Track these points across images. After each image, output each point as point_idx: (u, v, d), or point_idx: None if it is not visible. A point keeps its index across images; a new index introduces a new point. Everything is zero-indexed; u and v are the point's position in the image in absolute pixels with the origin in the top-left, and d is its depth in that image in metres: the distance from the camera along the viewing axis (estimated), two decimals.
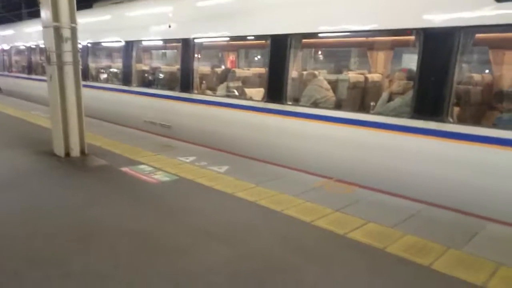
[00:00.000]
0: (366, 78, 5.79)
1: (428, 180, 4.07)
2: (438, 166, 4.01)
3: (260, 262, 2.72)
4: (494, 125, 4.00)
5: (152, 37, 7.87)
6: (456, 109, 4.27)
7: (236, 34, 6.28)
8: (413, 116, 4.11)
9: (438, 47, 3.90)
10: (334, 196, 4.08)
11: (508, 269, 2.66)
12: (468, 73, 5.12)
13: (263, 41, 5.86)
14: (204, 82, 7.35)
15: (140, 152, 5.65)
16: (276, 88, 5.38)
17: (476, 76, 5.08)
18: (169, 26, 7.10)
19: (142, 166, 4.95)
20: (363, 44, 7.16)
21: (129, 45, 8.15)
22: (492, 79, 5.29)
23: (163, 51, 12.81)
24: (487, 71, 5.62)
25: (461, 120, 4.16)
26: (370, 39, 6.41)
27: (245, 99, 6.26)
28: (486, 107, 4.76)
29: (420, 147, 4.12)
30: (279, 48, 5.31)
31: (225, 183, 4.39)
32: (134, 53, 8.15)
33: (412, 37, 4.38)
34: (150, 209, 3.67)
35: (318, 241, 3.06)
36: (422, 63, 4.00)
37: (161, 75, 8.52)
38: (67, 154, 5.24)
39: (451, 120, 3.92)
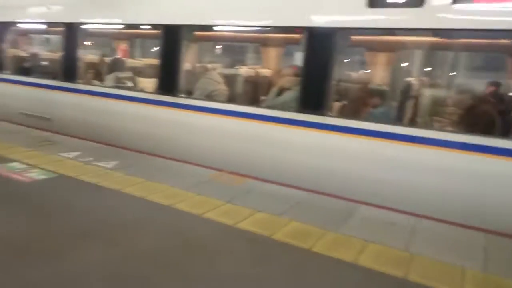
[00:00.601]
0: (257, 73, 5.97)
1: (313, 170, 4.36)
2: (322, 157, 4.32)
3: (145, 260, 2.61)
4: (367, 119, 4.47)
5: (29, 19, 7.01)
6: (336, 104, 4.65)
7: (127, 22, 5.93)
8: (299, 110, 4.36)
9: (319, 46, 4.19)
10: (226, 188, 4.12)
11: (375, 246, 2.99)
12: (346, 71, 5.63)
13: (157, 31, 5.63)
14: (90, 71, 6.80)
15: (12, 148, 5.00)
16: (168, 80, 5.23)
17: (353, 74, 5.61)
18: (48, 8, 6.40)
19: (13, 164, 4.39)
20: (257, 40, 7.37)
21: (1, 27, 7.15)
22: (367, 77, 5.90)
23: (45, 35, 11.53)
24: (363, 70, 6.26)
25: (340, 114, 4.55)
26: (264, 35, 6.62)
27: (136, 90, 5.96)
28: (362, 102, 5.28)
29: (305, 139, 4.38)
30: (171, 38, 5.16)
31: (112, 179, 4.13)
32: (6, 37, 7.17)
33: (299, 35, 4.63)
34: (19, 211, 3.26)
35: (207, 234, 3.06)
36: (306, 60, 4.26)
37: (41, 62, 7.66)
38: None
39: (331, 114, 4.26)
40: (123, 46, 8.94)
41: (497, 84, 5.51)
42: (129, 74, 6.43)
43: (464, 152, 3.67)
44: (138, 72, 6.87)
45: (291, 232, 3.14)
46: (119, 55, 8.75)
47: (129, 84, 6.27)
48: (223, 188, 4.11)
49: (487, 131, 3.89)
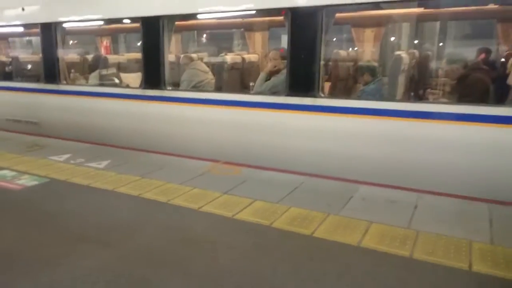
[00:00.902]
0: (244, 59, 5.83)
1: (309, 153, 4.28)
2: (316, 139, 4.24)
3: (144, 260, 2.54)
4: (359, 97, 4.38)
5: (5, 22, 6.78)
6: (326, 85, 4.54)
7: (105, 17, 5.74)
8: (289, 94, 4.26)
9: (304, 26, 4.06)
10: (222, 179, 4.04)
11: (377, 226, 2.94)
12: (334, 50, 5.50)
13: (137, 24, 5.46)
14: (72, 71, 6.61)
15: (0, 156, 4.87)
16: (153, 74, 5.09)
17: (342, 53, 5.49)
18: (23, 9, 6.18)
19: (2, 172, 4.27)
20: (241, 26, 7.20)
21: None
22: (356, 55, 5.78)
23: (24, 38, 11.23)
24: (351, 48, 6.14)
25: (331, 95, 4.46)
26: (247, 20, 6.45)
27: (121, 86, 5.81)
28: (352, 81, 5.19)
29: (298, 122, 4.29)
30: (152, 30, 5.00)
31: (105, 179, 4.04)
32: None
33: (282, 17, 4.50)
34: (11, 220, 3.16)
35: (206, 228, 2.99)
36: (292, 42, 4.14)
37: (22, 66, 7.45)
38: None
39: (322, 95, 4.16)
40: (105, 42, 8.72)
41: (488, 51, 5.42)
42: (113, 70, 6.26)
43: (460, 123, 3.60)
44: (123, 67, 6.70)
45: (291, 219, 3.08)
46: (101, 51, 8.54)
47: (114, 80, 6.11)
48: (219, 180, 4.04)
49: (482, 99, 3.82)
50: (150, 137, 5.20)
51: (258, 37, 6.84)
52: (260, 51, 6.69)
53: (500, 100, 3.84)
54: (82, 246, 2.73)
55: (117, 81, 6.12)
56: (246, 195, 3.58)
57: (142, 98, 5.23)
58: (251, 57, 6.16)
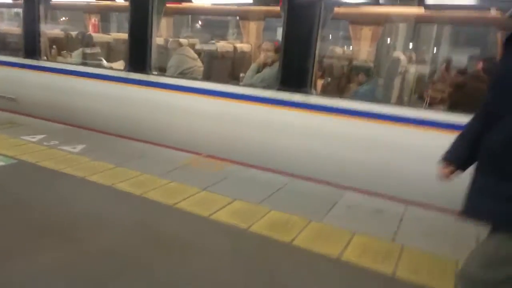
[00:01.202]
0: (236, 48, 5.57)
1: (296, 153, 4.09)
2: (305, 139, 4.05)
3: (106, 261, 2.33)
4: (352, 98, 4.18)
5: None
6: (320, 82, 4.33)
7: None
8: (279, 88, 4.04)
9: (301, 18, 3.83)
10: (202, 174, 3.84)
11: (361, 237, 2.77)
12: (330, 46, 5.29)
13: (125, 2, 5.16)
14: (55, 47, 6.28)
15: None
16: (139, 56, 4.82)
17: (338, 50, 5.28)
18: None
19: None
20: (236, 13, 6.91)
21: None
22: (352, 53, 5.58)
23: (10, 10, 10.75)
24: (347, 45, 5.93)
25: (324, 92, 4.25)
26: (242, 8, 6.18)
27: (104, 67, 5.51)
28: (347, 80, 4.99)
29: (287, 119, 4.09)
30: (140, 11, 4.72)
31: (78, 165, 3.79)
32: None
33: (279, 8, 4.26)
34: None
35: (179, 227, 2.79)
36: (286, 34, 3.91)
37: (3, 38, 7.07)
38: None
39: (314, 92, 3.95)
40: (92, 20, 8.34)
41: (489, 60, 5.25)
42: (97, 50, 5.94)
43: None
44: (109, 48, 6.37)
45: (270, 223, 2.90)
46: (89, 29, 8.17)
47: (98, 60, 5.80)
48: (200, 174, 3.83)
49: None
50: (132, 123, 4.94)
51: (253, 27, 6.57)
52: (254, 41, 6.43)
53: None
54: (42, 239, 2.50)
55: (101, 61, 5.81)
56: (226, 193, 3.38)
57: (125, 81, 4.96)
58: (244, 46, 5.90)
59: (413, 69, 4.68)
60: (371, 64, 4.75)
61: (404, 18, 5.58)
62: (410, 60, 4.91)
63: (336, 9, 4.11)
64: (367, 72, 4.29)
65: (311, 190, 3.64)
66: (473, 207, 1.65)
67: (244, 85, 4.51)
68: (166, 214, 2.97)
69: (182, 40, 5.64)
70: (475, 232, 2.98)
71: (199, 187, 3.45)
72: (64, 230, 2.64)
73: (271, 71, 4.30)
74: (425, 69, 5.32)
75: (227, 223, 2.86)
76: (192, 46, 5.61)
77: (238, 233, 2.74)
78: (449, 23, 6.58)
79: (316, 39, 3.81)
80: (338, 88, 4.75)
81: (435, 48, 7.25)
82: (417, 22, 5.84)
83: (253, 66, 4.53)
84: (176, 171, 3.85)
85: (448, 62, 5.84)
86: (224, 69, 5.28)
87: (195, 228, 2.79)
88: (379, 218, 3.15)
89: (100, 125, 5.03)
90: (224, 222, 2.87)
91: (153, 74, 4.81)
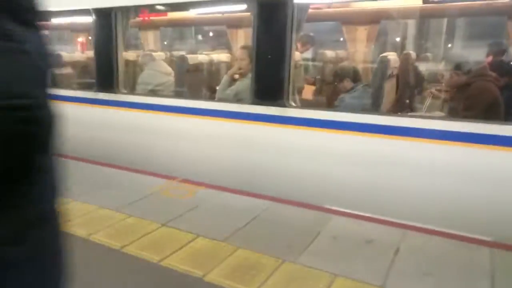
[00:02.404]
0: (212, 60, 5.11)
1: (276, 174, 3.60)
2: (285, 157, 3.55)
3: None
4: (337, 107, 3.67)
5: None
6: (299, 92, 3.84)
7: (51, 9, 5.00)
8: (254, 102, 3.56)
9: (272, 21, 3.36)
10: (170, 203, 3.37)
11: (343, 282, 2.24)
12: (308, 50, 4.78)
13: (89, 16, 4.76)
14: None
15: None
16: (106, 75, 4.42)
17: (319, 54, 4.77)
18: None
19: None
20: (208, 22, 6.47)
21: None
22: (335, 57, 5.04)
23: None
24: (330, 49, 5.37)
25: (303, 104, 3.75)
26: (214, 15, 5.73)
27: (73, 89, 5.12)
28: (330, 88, 4.46)
29: (264, 136, 3.60)
30: (104, 24, 4.33)
31: None
32: None
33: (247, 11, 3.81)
34: None
35: (120, 278, 2.31)
36: (257, 39, 3.44)
37: None
38: None
39: (292, 104, 3.45)
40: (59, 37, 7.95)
41: (500, 51, 4.63)
42: (67, 70, 5.58)
43: (461, 144, 2.89)
44: (78, 67, 5.98)
45: (233, 267, 2.39)
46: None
47: (69, 81, 5.43)
48: (167, 204, 3.36)
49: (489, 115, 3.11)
50: (102, 146, 4.52)
51: (233, 35, 6.11)
52: (228, 50, 5.95)
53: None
54: None
55: (74, 81, 5.44)
56: (190, 228, 2.90)
57: (93, 102, 4.56)
58: (222, 57, 5.44)
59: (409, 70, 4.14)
60: (358, 68, 4.21)
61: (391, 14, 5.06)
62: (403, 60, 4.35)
63: (312, 9, 3.63)
64: (354, 77, 3.76)
65: (292, 216, 3.13)
66: None
67: (218, 100, 4.04)
68: (111, 260, 2.50)
69: (158, 54, 5.22)
70: (489, 267, 2.43)
71: (159, 222, 2.98)
72: None
73: (245, 83, 3.82)
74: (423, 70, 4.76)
75: (180, 270, 2.37)
76: (167, 59, 5.19)
77: (191, 283, 2.25)
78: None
79: (291, 43, 3.33)
80: (320, 97, 4.25)
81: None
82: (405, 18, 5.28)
83: (225, 78, 4.05)
84: (140, 202, 3.39)
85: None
86: (197, 83, 4.82)
87: (139, 279, 2.31)
88: (369, 251, 2.61)
89: (68, 149, 4.63)
90: (176, 269, 2.38)
91: (121, 93, 4.40)
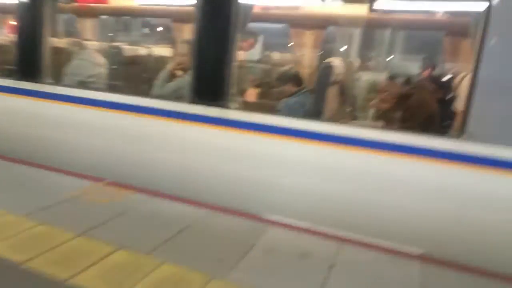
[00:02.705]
0: (150, 52, 4.79)
1: (215, 180, 3.37)
2: (224, 162, 3.34)
3: None
4: (279, 111, 3.54)
5: None
6: (244, 92, 3.67)
7: None
8: (193, 101, 3.32)
9: (215, 13, 3.13)
10: (92, 209, 3.02)
11: None
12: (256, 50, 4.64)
13: None
14: None
15: None
16: (29, 62, 3.94)
17: (264, 56, 4.64)
18: None
19: None
20: (152, 14, 6.10)
21: None
22: (281, 58, 4.94)
23: None
24: (279, 50, 5.28)
25: (245, 106, 3.58)
26: (155, 7, 5.41)
27: None
28: (276, 91, 4.34)
29: (203, 138, 3.37)
30: (30, 4, 3.86)
31: None
32: None
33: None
34: None
35: None
36: (198, 32, 3.20)
37: None
38: None
39: (234, 105, 3.25)
40: None
41: (434, 65, 4.81)
42: None
43: (400, 155, 2.85)
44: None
45: (155, 284, 2.14)
46: None
47: None
48: (89, 210, 3.01)
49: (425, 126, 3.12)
50: (20, 142, 4.03)
51: (178, 29, 5.79)
52: (167, 44, 5.62)
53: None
54: None
55: None
56: (112, 238, 2.58)
57: (13, 91, 4.05)
58: (162, 51, 5.12)
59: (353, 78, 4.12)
60: (302, 72, 4.11)
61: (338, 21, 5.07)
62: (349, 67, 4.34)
63: (259, 9, 3.47)
64: (296, 81, 3.65)
65: (227, 227, 2.92)
66: None
67: (154, 97, 3.74)
68: (8, 277, 2.13)
69: (89, 43, 4.79)
70: (420, 279, 2.38)
71: (75, 231, 2.63)
72: None
73: (184, 80, 3.56)
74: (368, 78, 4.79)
75: None
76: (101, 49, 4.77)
77: None
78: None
79: (234, 39, 3.12)
80: (264, 100, 4.10)
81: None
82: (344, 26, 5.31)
83: (163, 73, 3.76)
84: (56, 207, 3.00)
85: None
86: (133, 77, 4.47)
87: None
88: (303, 267, 2.47)
89: None
90: None
91: (46, 83, 3.94)
